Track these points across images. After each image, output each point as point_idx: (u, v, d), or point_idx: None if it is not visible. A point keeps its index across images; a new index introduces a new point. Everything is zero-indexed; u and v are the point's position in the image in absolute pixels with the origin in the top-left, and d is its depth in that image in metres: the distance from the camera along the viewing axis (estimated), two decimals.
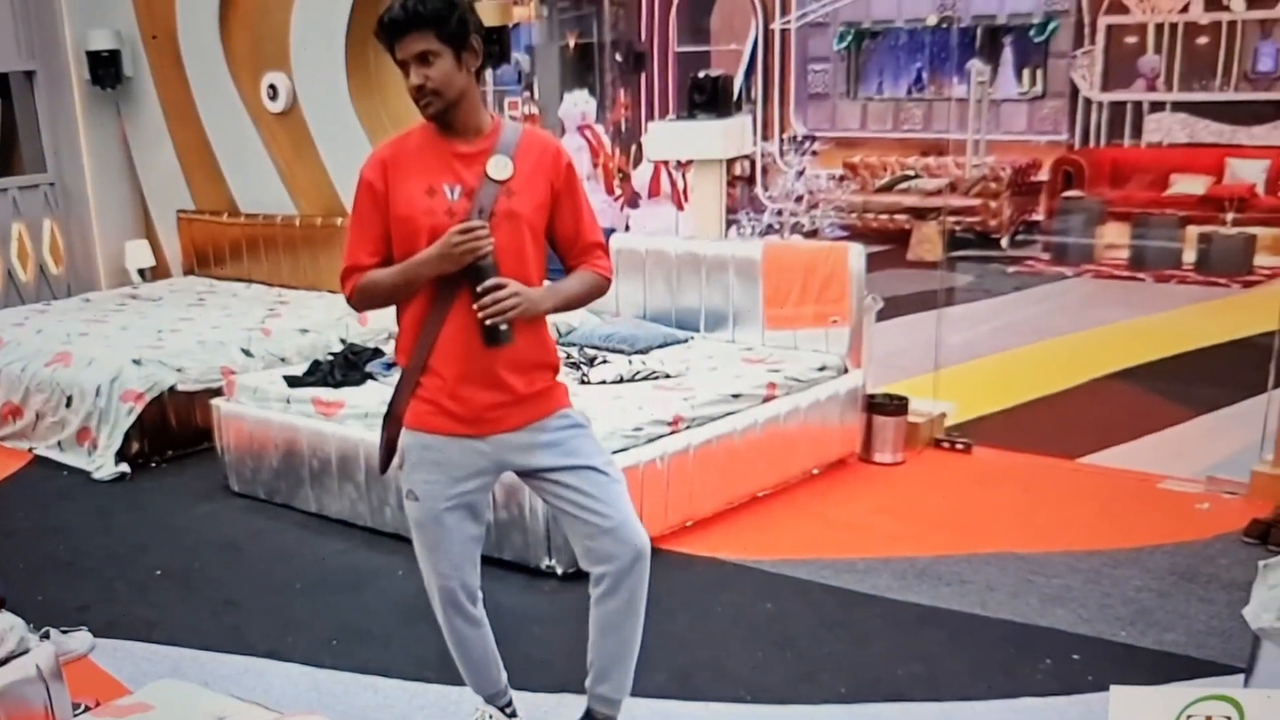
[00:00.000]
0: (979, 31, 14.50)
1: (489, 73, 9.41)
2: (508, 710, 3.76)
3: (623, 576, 3.36)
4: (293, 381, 5.99)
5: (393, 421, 3.34)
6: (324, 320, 7.54)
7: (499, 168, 3.16)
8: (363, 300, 3.29)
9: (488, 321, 3.09)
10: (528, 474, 3.40)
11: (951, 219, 12.94)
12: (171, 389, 6.62)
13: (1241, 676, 3.49)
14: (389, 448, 3.38)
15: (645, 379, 5.91)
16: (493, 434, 3.29)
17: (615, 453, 5.06)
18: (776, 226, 13.54)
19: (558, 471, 3.34)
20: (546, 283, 3.31)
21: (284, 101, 8.21)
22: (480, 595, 3.55)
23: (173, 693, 3.10)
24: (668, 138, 7.96)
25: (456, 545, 3.41)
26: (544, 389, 3.33)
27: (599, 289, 3.40)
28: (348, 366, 6.07)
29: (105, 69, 8.80)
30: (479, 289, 3.09)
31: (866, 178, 14.56)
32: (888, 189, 14.02)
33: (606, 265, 3.40)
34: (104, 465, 6.43)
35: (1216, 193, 12.46)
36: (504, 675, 3.74)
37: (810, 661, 4.33)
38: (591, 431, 3.44)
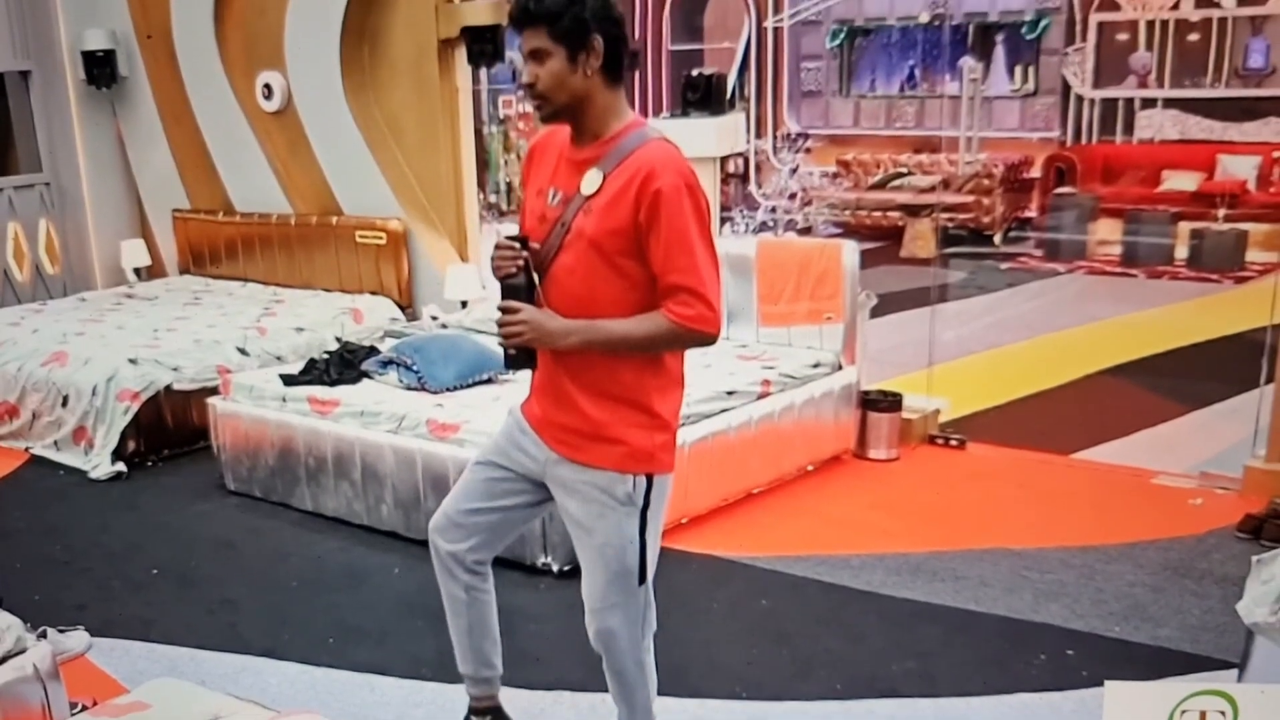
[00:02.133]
0: (971, 29, 14.54)
1: (483, 71, 9.36)
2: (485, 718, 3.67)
3: (598, 651, 3.35)
4: (288, 380, 5.98)
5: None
6: (320, 319, 7.56)
7: (589, 182, 2.97)
8: None
9: (499, 343, 3.07)
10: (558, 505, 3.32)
11: (944, 216, 12.93)
12: (168, 388, 6.61)
13: (1235, 671, 3.50)
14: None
15: None
16: (544, 442, 3.20)
17: None
18: (770, 224, 13.56)
19: (571, 523, 3.24)
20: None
21: (279, 100, 8.24)
22: (479, 571, 3.45)
23: (169, 691, 3.09)
24: None
25: (467, 497, 3.37)
26: (615, 438, 3.09)
27: (670, 336, 2.99)
28: (343, 365, 6.06)
29: (100, 69, 8.82)
30: (498, 306, 3.04)
31: (860, 175, 14.56)
32: (881, 186, 14.00)
33: (687, 313, 2.94)
34: (100, 464, 6.43)
35: (1208, 189, 12.47)
36: (494, 671, 3.64)
37: (805, 658, 4.33)
38: (630, 513, 3.15)
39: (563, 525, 3.38)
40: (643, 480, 3.14)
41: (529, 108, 13.72)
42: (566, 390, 3.10)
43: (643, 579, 3.25)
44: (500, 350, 3.14)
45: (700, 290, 2.94)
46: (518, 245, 3.03)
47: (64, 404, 6.64)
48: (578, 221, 2.99)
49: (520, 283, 3.01)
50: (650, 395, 3.11)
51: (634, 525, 3.17)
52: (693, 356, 6.06)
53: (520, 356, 3.07)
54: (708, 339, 3.02)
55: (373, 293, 8.06)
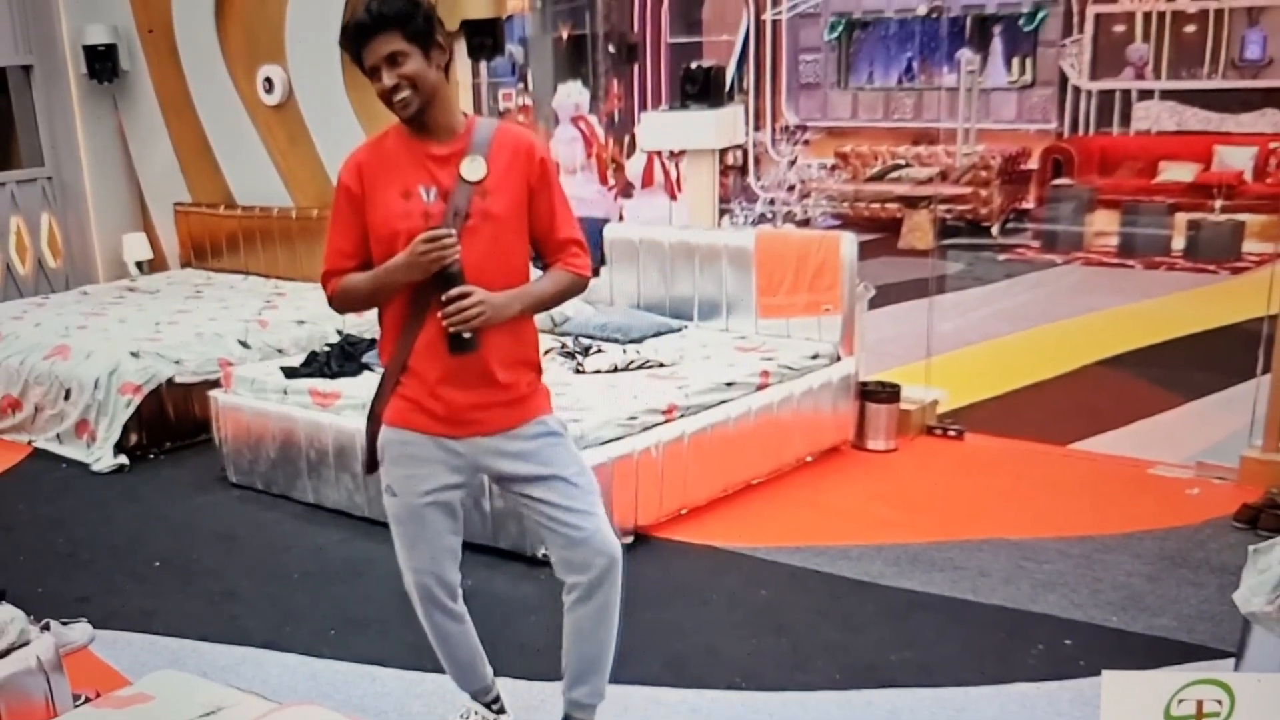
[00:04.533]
0: (968, 21, 14.51)
1: (483, 65, 9.38)
2: (494, 707, 3.75)
3: (596, 585, 3.37)
4: (290, 373, 6.00)
5: (374, 421, 3.36)
6: (321, 311, 7.44)
7: (472, 169, 3.12)
8: (342, 304, 3.30)
9: (451, 330, 3.09)
10: (501, 480, 3.41)
11: (942, 207, 12.91)
12: (169, 381, 6.63)
13: (1232, 660, 3.51)
14: (373, 448, 3.39)
15: (639, 368, 5.93)
16: (469, 436, 3.27)
17: (609, 442, 5.11)
18: (769, 215, 13.55)
19: (529, 483, 3.33)
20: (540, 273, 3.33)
21: (280, 94, 8.26)
22: (460, 592, 3.55)
23: (172, 683, 3.09)
24: (661, 128, 7.95)
25: (433, 540, 3.40)
26: (527, 393, 3.31)
27: (573, 287, 3.33)
28: (344, 357, 6.08)
29: (102, 63, 8.84)
30: (443, 298, 3.08)
31: (858, 167, 14.55)
32: (879, 178, 14.00)
33: (581, 263, 3.31)
34: (103, 457, 6.45)
35: (1205, 180, 12.45)
36: (489, 671, 3.73)
37: (804, 648, 4.35)
38: (567, 440, 3.42)
39: None
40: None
41: (529, 100, 13.75)
42: (488, 369, 3.21)
43: None
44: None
45: (583, 241, 3.34)
46: (454, 234, 3.08)
47: (66, 397, 6.66)
48: (476, 206, 3.14)
49: (457, 270, 3.09)
50: (539, 352, 3.39)
51: (574, 447, 3.46)
52: (692, 348, 6.17)
53: (471, 340, 3.13)
54: (587, 284, 3.39)
55: None
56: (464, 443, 3.28)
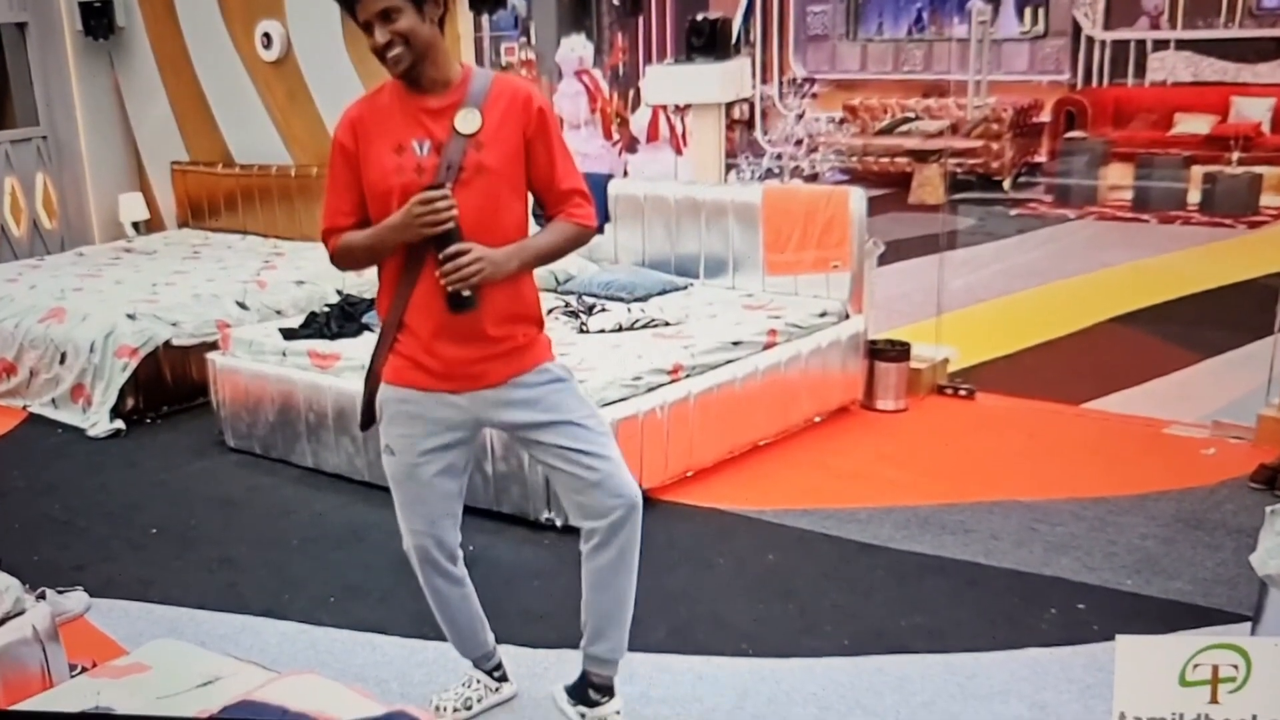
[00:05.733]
0: None
1: (485, 18, 9.28)
2: (496, 675, 3.75)
3: (614, 530, 3.33)
4: (288, 334, 5.96)
5: (372, 378, 3.33)
6: (320, 272, 7.47)
7: (466, 121, 3.08)
8: (343, 261, 3.29)
9: (450, 289, 3.06)
10: (511, 431, 3.37)
11: (953, 161, 12.90)
12: (166, 344, 6.60)
13: (1249, 624, 3.49)
14: (369, 404, 3.36)
15: (644, 327, 5.88)
16: (469, 390, 3.24)
17: (614, 403, 5.06)
18: (776, 170, 13.48)
19: (539, 429, 3.29)
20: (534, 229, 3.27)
21: (278, 50, 8.19)
22: (460, 555, 3.52)
23: (169, 652, 3.08)
24: (666, 82, 7.87)
25: (432, 501, 3.37)
26: (525, 343, 3.26)
27: (577, 238, 3.28)
28: (344, 318, 6.05)
29: (98, 19, 8.79)
30: (440, 256, 3.04)
31: (867, 120, 14.49)
32: (888, 131, 13.96)
33: (585, 213, 3.26)
34: (99, 422, 6.41)
35: (1221, 132, 12.37)
36: (490, 638, 3.71)
37: (812, 613, 4.31)
38: (574, 385, 3.37)
39: None
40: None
41: (532, 54, 13.64)
42: (480, 325, 3.17)
43: None
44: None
45: (587, 192, 3.28)
46: (449, 194, 3.03)
47: (62, 361, 6.62)
48: (470, 159, 3.09)
49: (454, 228, 3.05)
50: (538, 307, 3.34)
51: (582, 392, 3.43)
52: (698, 307, 6.11)
53: (470, 297, 3.10)
54: (593, 235, 3.34)
55: None
56: (465, 396, 3.25)
